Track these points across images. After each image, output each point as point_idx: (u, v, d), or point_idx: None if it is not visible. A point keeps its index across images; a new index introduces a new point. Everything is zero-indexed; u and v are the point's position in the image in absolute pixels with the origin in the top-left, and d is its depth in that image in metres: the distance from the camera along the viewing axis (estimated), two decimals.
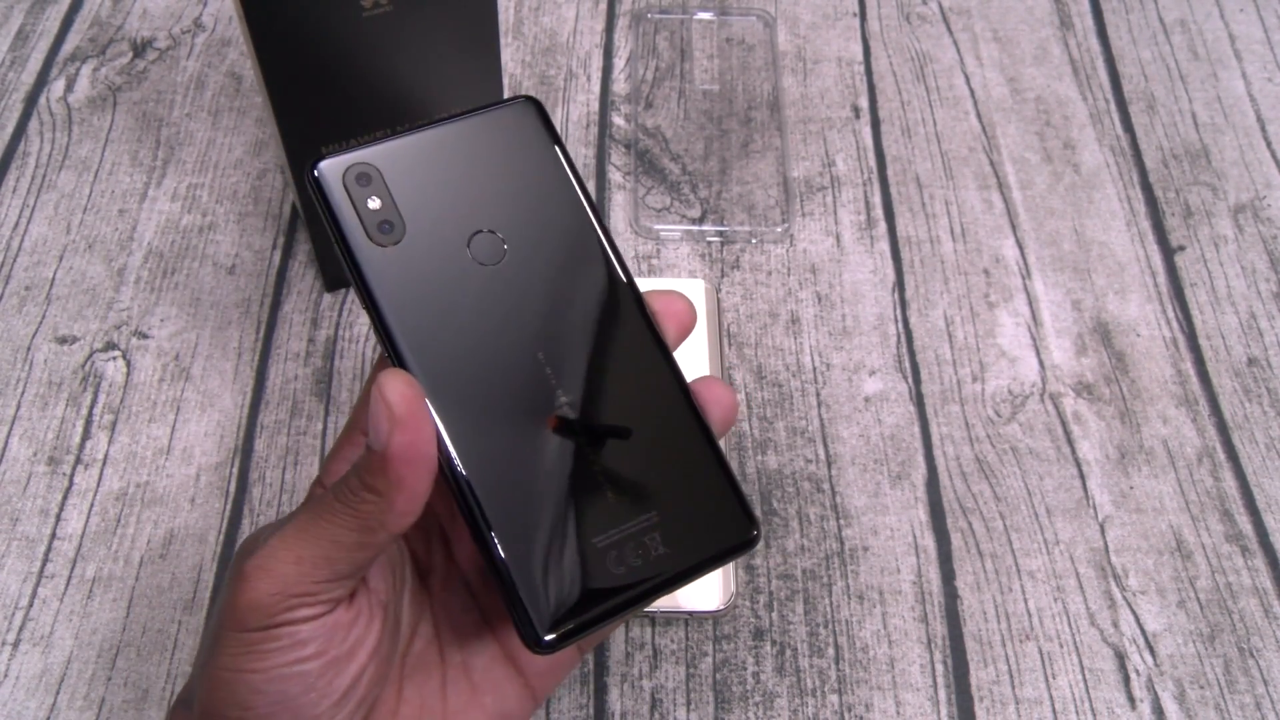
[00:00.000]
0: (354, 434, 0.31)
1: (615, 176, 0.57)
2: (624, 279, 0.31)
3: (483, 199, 0.30)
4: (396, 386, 0.26)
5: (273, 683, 0.27)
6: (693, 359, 0.49)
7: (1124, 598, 0.45)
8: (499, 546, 0.28)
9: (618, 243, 0.55)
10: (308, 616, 0.27)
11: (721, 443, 0.47)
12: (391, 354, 0.29)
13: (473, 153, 0.31)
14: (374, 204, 0.29)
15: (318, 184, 0.29)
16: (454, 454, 0.28)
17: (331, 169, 0.29)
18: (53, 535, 0.45)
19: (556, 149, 0.32)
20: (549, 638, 0.27)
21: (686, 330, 0.32)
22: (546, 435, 0.29)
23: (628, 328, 0.31)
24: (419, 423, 0.26)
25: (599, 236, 0.31)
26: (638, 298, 0.31)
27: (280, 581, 0.26)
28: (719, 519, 0.30)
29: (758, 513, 0.29)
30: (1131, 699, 0.43)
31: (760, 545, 0.46)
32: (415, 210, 0.30)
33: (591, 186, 0.57)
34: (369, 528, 0.26)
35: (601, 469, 0.29)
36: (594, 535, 0.29)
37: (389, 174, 0.30)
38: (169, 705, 0.42)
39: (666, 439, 0.30)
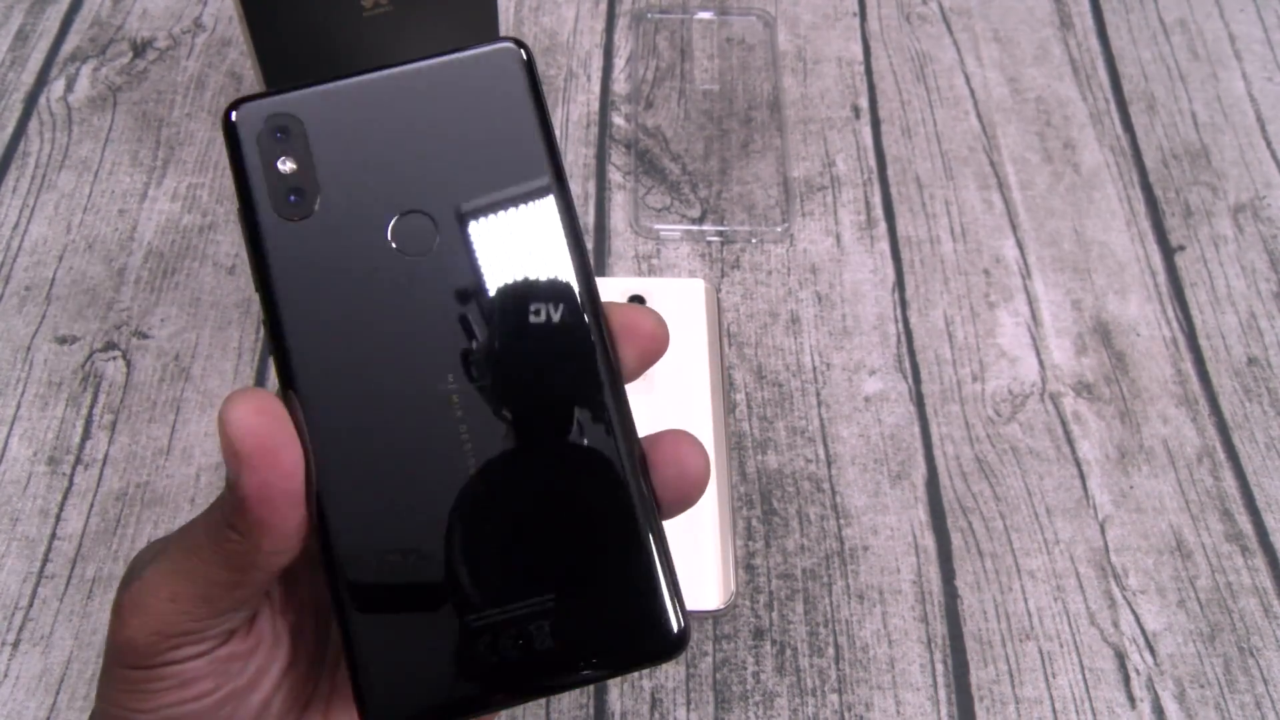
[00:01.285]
0: None
1: (615, 176, 0.57)
2: (581, 287, 0.25)
3: (423, 171, 0.24)
4: (242, 416, 0.22)
5: None
6: (693, 359, 0.49)
7: (1124, 597, 0.45)
8: (350, 608, 0.23)
9: (616, 243, 0.55)
10: (193, 655, 0.24)
11: (726, 451, 0.47)
12: (276, 351, 0.24)
13: (427, 108, 0.25)
14: (286, 166, 0.24)
15: (229, 133, 0.24)
16: (319, 491, 0.23)
17: (249, 117, 0.24)
18: (53, 535, 0.45)
19: (532, 109, 0.25)
20: None
21: (651, 356, 0.26)
22: (438, 483, 0.24)
23: (572, 353, 0.24)
24: (271, 459, 0.22)
25: (561, 229, 0.25)
26: (596, 312, 0.25)
27: (158, 620, 0.23)
28: (634, 617, 0.24)
29: (685, 620, 0.24)
30: (1131, 699, 0.43)
31: (761, 545, 0.46)
32: (335, 179, 0.24)
33: (591, 187, 0.57)
34: (240, 568, 0.23)
35: (498, 532, 0.24)
36: (469, 612, 0.23)
37: (314, 129, 0.24)
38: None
39: (590, 506, 0.24)
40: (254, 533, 0.22)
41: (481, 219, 0.25)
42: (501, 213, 0.25)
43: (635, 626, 0.24)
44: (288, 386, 0.24)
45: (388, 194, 0.24)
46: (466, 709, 0.23)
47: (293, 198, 0.24)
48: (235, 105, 0.24)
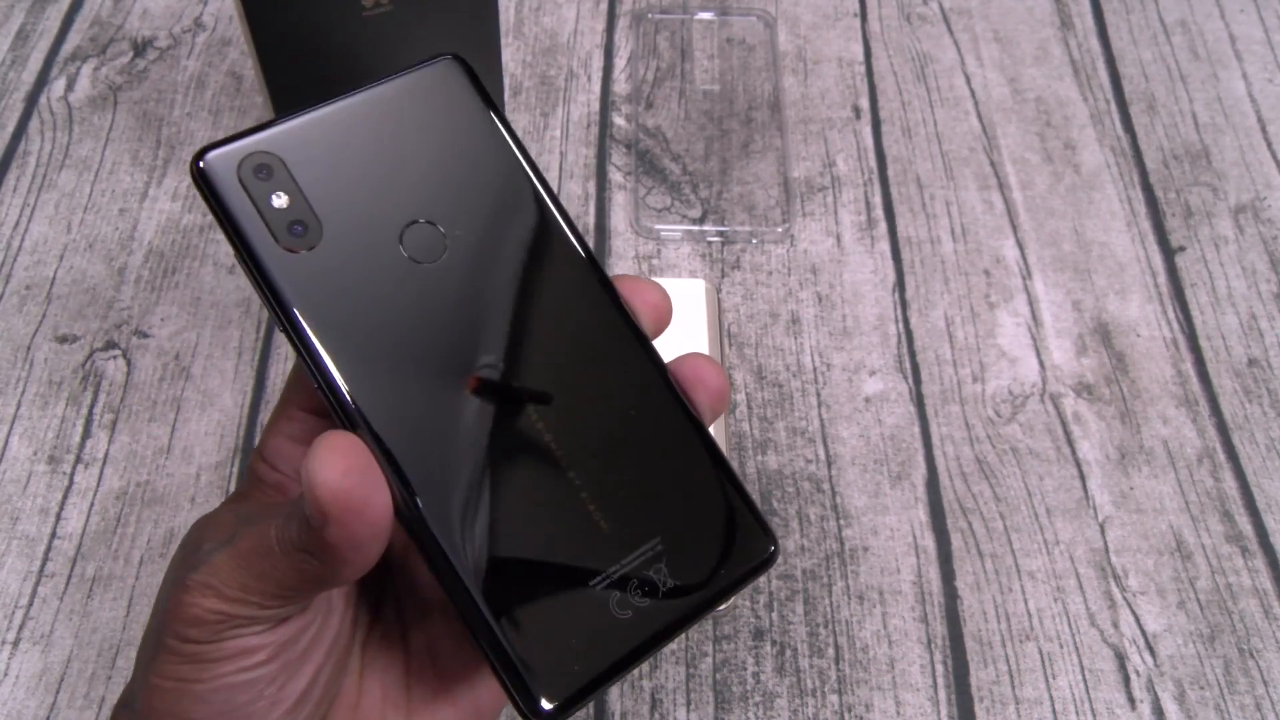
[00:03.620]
0: (287, 409, 0.28)
1: (616, 176, 0.57)
2: (588, 264, 0.27)
3: (411, 184, 0.25)
4: (329, 479, 0.22)
5: (218, 693, 0.24)
6: None
7: (1124, 598, 0.45)
8: (484, 609, 0.23)
9: (617, 243, 0.55)
10: (255, 631, 0.25)
11: (726, 450, 0.47)
12: (320, 382, 0.24)
13: (393, 128, 0.26)
14: (279, 201, 0.24)
15: (205, 182, 0.24)
16: (420, 509, 0.23)
17: (222, 162, 0.24)
18: (53, 534, 0.45)
19: (491, 114, 0.27)
20: (551, 707, 0.23)
21: (662, 324, 0.28)
22: (521, 466, 0.25)
23: (601, 324, 0.26)
24: (358, 515, 0.22)
25: (553, 215, 0.27)
26: (606, 284, 0.27)
27: (226, 603, 0.24)
28: (731, 538, 0.26)
29: (772, 530, 0.27)
30: (1131, 699, 0.43)
31: None
32: (331, 204, 0.24)
33: (592, 187, 0.57)
34: (314, 582, 0.24)
35: (590, 497, 0.25)
36: (591, 577, 0.24)
37: (294, 162, 0.24)
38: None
39: (660, 453, 0.26)
40: (335, 563, 0.23)
41: (483, 216, 0.26)
42: (498, 207, 0.26)
43: (737, 548, 0.26)
44: (348, 417, 0.24)
45: (387, 210, 0.25)
46: (620, 667, 0.24)
47: (297, 229, 0.24)
48: (201, 154, 0.24)
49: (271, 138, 0.24)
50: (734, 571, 0.25)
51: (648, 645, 0.24)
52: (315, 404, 0.27)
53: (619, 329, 0.26)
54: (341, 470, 0.22)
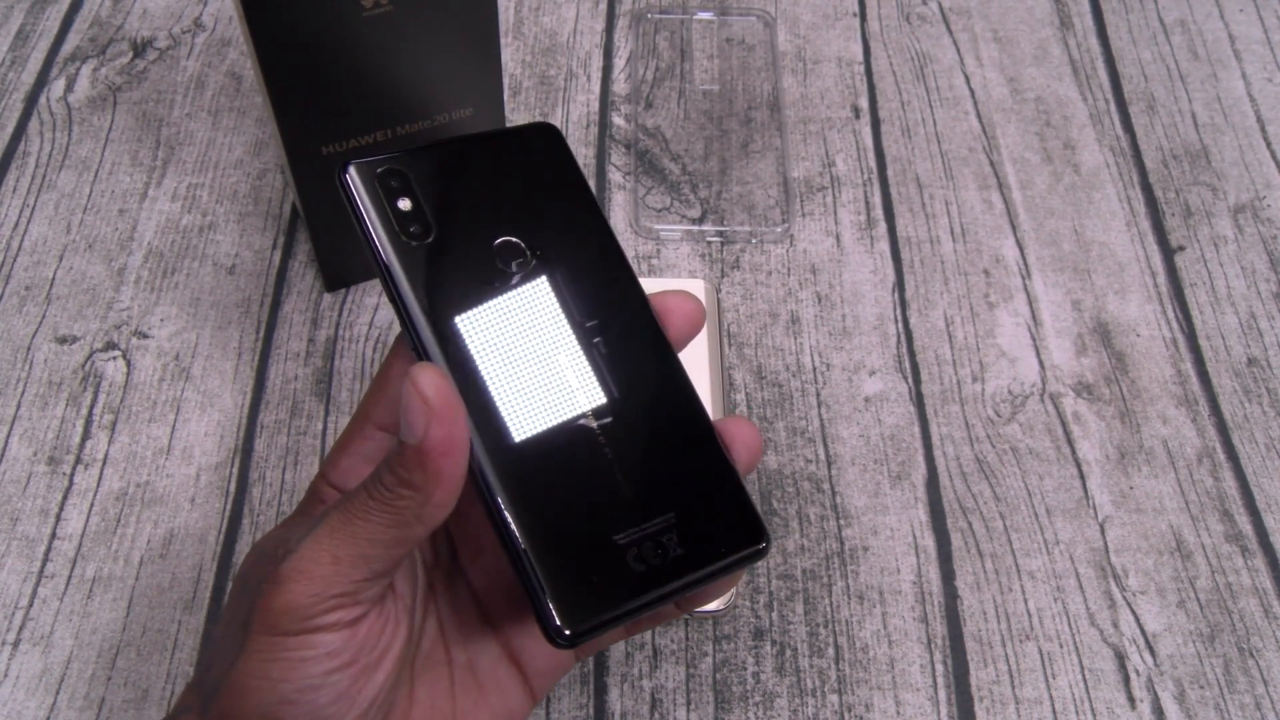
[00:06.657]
0: (363, 427, 0.31)
1: (615, 176, 0.57)
2: (639, 292, 0.32)
3: (506, 209, 0.32)
4: (431, 380, 0.26)
5: (304, 693, 0.26)
6: (693, 359, 0.49)
7: (1124, 598, 0.45)
8: (523, 540, 0.28)
9: (619, 244, 0.55)
10: (342, 621, 0.27)
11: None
12: (418, 347, 0.29)
13: (495, 166, 0.32)
14: (404, 204, 0.30)
15: (348, 185, 0.30)
16: (480, 448, 0.28)
17: (362, 170, 0.31)
18: (53, 535, 0.45)
19: (575, 169, 0.33)
20: (570, 632, 0.27)
21: (697, 328, 0.33)
22: (569, 433, 0.30)
23: (645, 337, 0.32)
24: (454, 415, 0.26)
25: (618, 251, 0.33)
26: (648, 307, 0.32)
27: (319, 583, 0.26)
28: (732, 526, 0.30)
29: (767, 530, 0.31)
30: (1131, 699, 0.43)
31: None
32: (442, 215, 0.31)
33: (591, 187, 0.57)
34: (406, 523, 0.26)
35: (621, 468, 0.30)
36: (615, 532, 0.29)
37: (416, 179, 0.31)
38: (169, 708, 0.42)
39: (681, 445, 0.31)
40: (429, 484, 0.26)
41: (559, 244, 0.32)
42: (572, 238, 0.32)
43: (736, 535, 0.30)
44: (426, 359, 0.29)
45: (485, 226, 0.31)
46: (631, 613, 0.28)
47: (413, 228, 0.30)
48: (346, 164, 0.30)
49: (401, 158, 0.31)
50: (731, 554, 0.30)
51: (655, 599, 0.28)
52: (393, 423, 0.31)
53: (659, 343, 0.32)
54: (438, 374, 0.27)
